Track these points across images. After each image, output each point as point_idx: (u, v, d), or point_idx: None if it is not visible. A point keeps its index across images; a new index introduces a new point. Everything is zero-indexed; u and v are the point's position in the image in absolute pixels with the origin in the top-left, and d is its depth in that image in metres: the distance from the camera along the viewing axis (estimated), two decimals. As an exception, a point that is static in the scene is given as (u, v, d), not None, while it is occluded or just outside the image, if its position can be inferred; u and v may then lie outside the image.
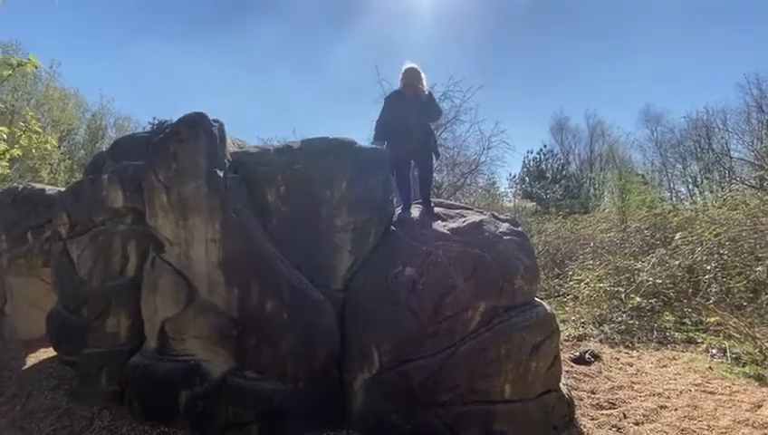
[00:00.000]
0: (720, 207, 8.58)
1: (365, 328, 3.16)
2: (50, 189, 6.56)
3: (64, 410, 3.59)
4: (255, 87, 41.65)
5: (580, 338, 5.46)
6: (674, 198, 17.99)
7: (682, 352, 4.92)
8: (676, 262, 6.56)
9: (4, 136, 3.66)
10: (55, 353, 4.65)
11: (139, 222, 3.84)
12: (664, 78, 36.81)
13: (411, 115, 3.80)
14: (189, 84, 39.42)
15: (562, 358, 3.76)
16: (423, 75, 3.85)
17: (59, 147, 14.61)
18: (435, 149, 4.09)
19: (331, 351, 3.17)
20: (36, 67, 3.69)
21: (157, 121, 15.77)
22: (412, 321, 3.08)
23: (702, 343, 5.09)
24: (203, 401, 3.21)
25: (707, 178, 16.71)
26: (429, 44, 35.08)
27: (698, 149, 18.94)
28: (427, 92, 3.91)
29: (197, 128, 3.48)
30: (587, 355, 4.65)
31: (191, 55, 40.11)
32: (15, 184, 7.71)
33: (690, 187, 18.71)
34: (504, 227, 3.51)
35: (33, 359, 5.01)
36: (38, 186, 6.83)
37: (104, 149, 5.29)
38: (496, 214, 3.86)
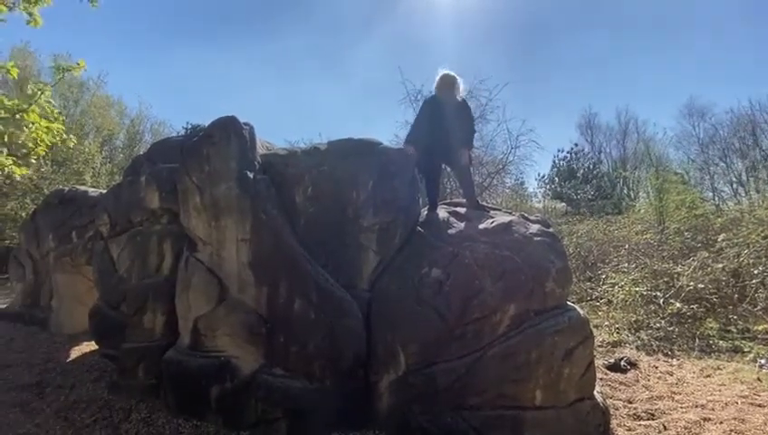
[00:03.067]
0: (769, 208, 8.03)
1: (391, 329, 3.15)
2: (92, 191, 6.96)
3: (104, 401, 3.77)
4: (283, 89, 42.63)
5: (615, 344, 5.23)
6: (716, 199, 16.99)
7: (727, 361, 4.63)
8: (720, 265, 6.19)
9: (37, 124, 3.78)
10: (97, 347, 4.90)
11: (174, 222, 3.99)
12: (707, 72, 34.73)
13: (445, 121, 3.80)
14: (220, 88, 40.81)
15: (596, 365, 3.61)
16: (459, 81, 3.88)
17: (101, 151, 15.43)
18: (467, 162, 4.00)
19: (357, 351, 3.17)
20: (85, 70, 3.87)
21: (190, 126, 16.39)
22: (438, 323, 3.05)
23: (749, 352, 4.77)
24: (233, 397, 3.29)
25: (753, 177, 15.67)
26: (455, 42, 34.78)
27: (743, 146, 17.80)
28: (461, 100, 3.93)
29: (229, 131, 3.58)
30: (622, 362, 4.45)
31: (222, 60, 41.53)
32: (61, 186, 8.20)
33: (735, 186, 17.63)
34: (535, 228, 3.41)
35: (76, 352, 5.30)
36: (82, 188, 7.25)
37: (142, 153, 5.54)
38: (526, 215, 3.76)
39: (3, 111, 3.56)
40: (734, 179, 17.90)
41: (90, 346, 5.32)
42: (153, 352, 3.79)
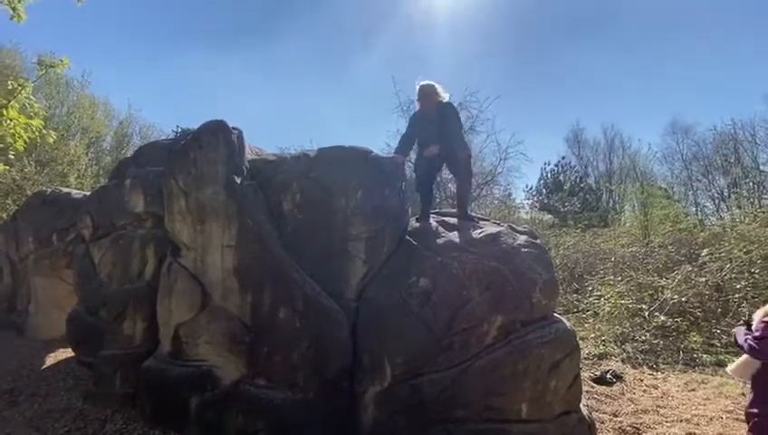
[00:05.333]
0: (750, 223, 8.22)
1: (377, 339, 3.10)
2: (76, 193, 6.80)
3: (79, 410, 3.64)
4: (279, 95, 42.52)
5: (601, 357, 5.25)
6: (699, 213, 17.38)
7: (711, 375, 4.67)
8: (703, 279, 6.29)
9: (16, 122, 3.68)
10: (73, 354, 4.74)
11: (159, 227, 3.90)
12: (692, 90, 35.64)
13: (431, 132, 3.77)
14: (215, 93, 40.54)
15: (582, 377, 3.61)
16: (438, 88, 3.84)
17: (87, 152, 15.15)
18: (462, 164, 3.92)
19: (342, 361, 3.12)
20: (68, 67, 3.80)
21: (179, 129, 16.22)
22: (425, 333, 3.01)
23: (733, 366, 4.82)
24: (213, 408, 3.20)
25: (735, 193, 16.07)
26: (449, 55, 35.35)
27: (725, 163, 18.29)
28: (445, 101, 3.85)
29: (218, 135, 3.54)
30: (608, 375, 4.46)
31: (219, 65, 41.39)
32: (44, 188, 8.00)
33: (717, 201, 18.06)
34: (522, 239, 3.42)
35: (51, 358, 5.12)
36: (65, 190, 7.08)
37: (128, 156, 5.45)
38: (514, 226, 3.77)
39: None
40: (716, 195, 18.35)
41: (66, 353, 5.15)
42: (131, 360, 3.68)
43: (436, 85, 3.83)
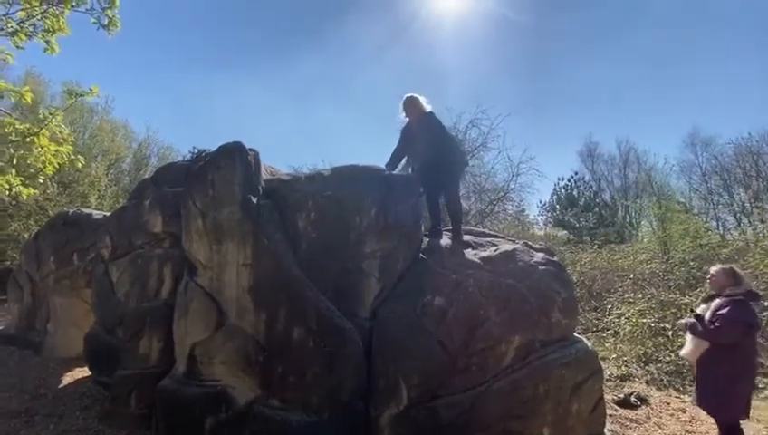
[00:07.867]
0: (775, 239, 7.95)
1: (393, 360, 3.05)
2: (96, 214, 6.97)
3: (95, 431, 3.63)
4: (287, 115, 43.52)
5: (624, 378, 5.06)
6: (720, 228, 16.90)
7: (741, 398, 4.44)
8: (729, 297, 6.05)
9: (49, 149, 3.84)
10: (90, 373, 4.76)
11: (176, 246, 3.96)
12: (707, 104, 35.16)
13: (419, 143, 3.87)
14: (224, 113, 41.75)
15: (605, 400, 3.47)
16: (421, 99, 3.95)
17: (107, 174, 15.63)
18: (451, 171, 3.94)
19: (357, 382, 3.07)
20: (98, 96, 3.99)
21: (196, 150, 16.65)
22: (442, 354, 2.96)
23: (764, 388, 4.59)
24: (227, 429, 3.16)
25: (759, 208, 15.63)
26: (460, 71, 35.95)
27: (745, 177, 17.88)
28: (425, 114, 3.94)
29: (235, 157, 3.62)
30: (632, 398, 4.28)
31: (231, 87, 42.75)
32: (66, 208, 8.25)
33: (738, 216, 17.56)
34: (539, 256, 3.37)
35: (68, 377, 5.16)
36: (86, 211, 7.27)
37: (147, 177, 5.60)
38: (530, 243, 3.73)
39: (14, 135, 3.63)
40: (737, 209, 17.86)
41: (83, 372, 5.18)
42: (147, 380, 3.68)
43: (419, 97, 3.96)
